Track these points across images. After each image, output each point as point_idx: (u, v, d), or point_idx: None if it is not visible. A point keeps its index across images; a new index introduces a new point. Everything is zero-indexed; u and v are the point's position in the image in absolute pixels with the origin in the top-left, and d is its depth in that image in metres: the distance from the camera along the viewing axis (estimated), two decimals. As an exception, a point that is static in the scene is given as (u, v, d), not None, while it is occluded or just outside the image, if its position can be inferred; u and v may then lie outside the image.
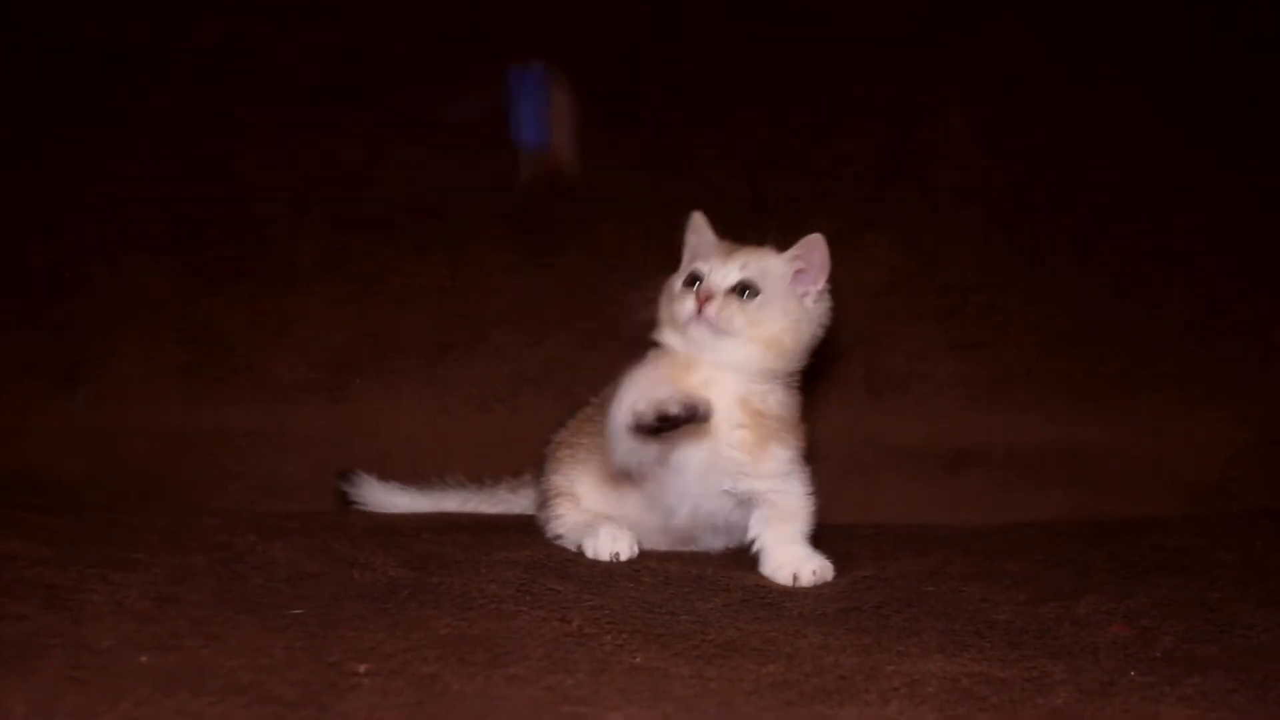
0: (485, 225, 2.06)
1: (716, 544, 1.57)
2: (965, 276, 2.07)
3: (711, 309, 1.41)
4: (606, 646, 1.13)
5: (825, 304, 1.49)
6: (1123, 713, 0.98)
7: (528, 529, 1.65)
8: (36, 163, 2.08)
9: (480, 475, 1.83)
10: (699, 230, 1.54)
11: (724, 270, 1.45)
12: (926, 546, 1.64)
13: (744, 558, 1.58)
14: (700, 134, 2.11)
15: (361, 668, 1.02)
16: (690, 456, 1.44)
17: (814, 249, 1.47)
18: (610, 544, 1.49)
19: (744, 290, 1.44)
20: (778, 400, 1.46)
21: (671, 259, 2.07)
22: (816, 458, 1.83)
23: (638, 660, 1.09)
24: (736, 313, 1.42)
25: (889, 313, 2.06)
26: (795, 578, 1.42)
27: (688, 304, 1.44)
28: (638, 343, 2.01)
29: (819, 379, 2.05)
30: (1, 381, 2.01)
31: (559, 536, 1.58)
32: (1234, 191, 2.09)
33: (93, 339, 2.03)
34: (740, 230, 2.07)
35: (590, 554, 1.50)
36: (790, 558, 1.44)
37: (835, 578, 1.44)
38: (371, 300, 2.04)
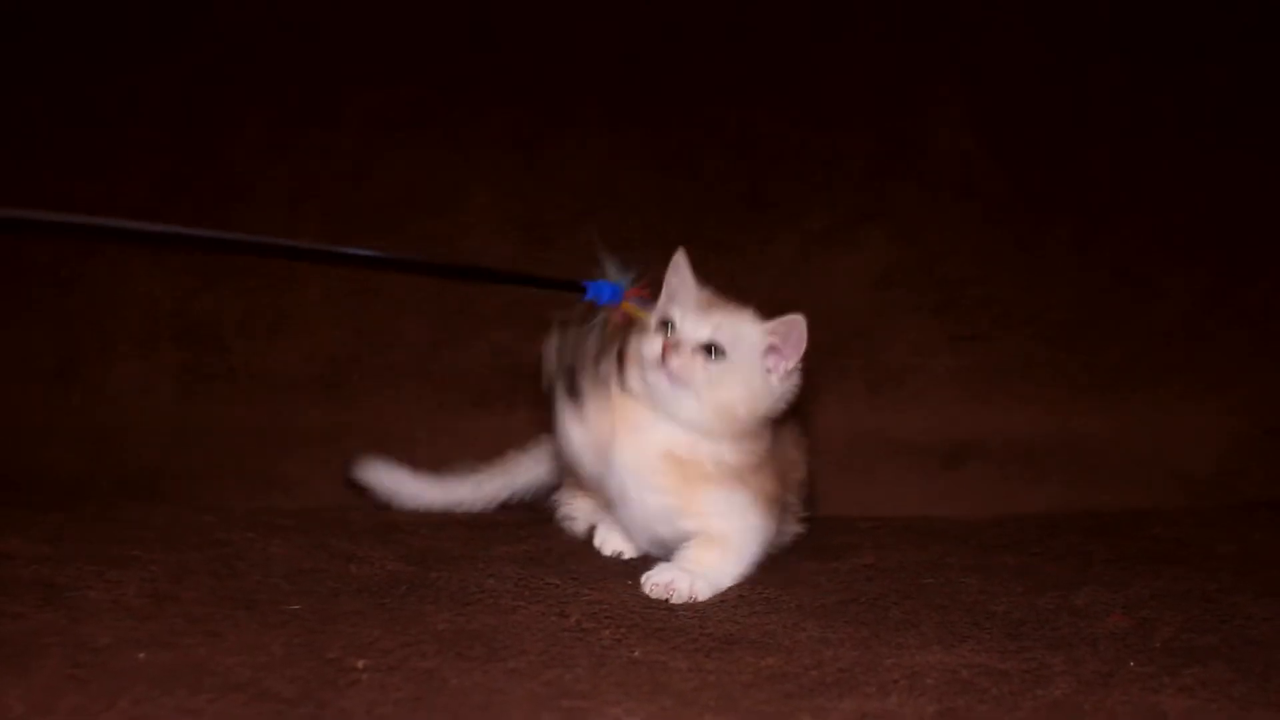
0: (482, 220, 2.06)
1: None
2: (963, 269, 2.06)
3: (675, 360, 1.35)
4: (605, 641, 1.13)
5: (794, 381, 1.41)
6: (1122, 703, 0.98)
7: (526, 524, 1.65)
8: (31, 159, 2.08)
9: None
10: (680, 272, 1.43)
11: (696, 323, 1.37)
12: (925, 539, 1.64)
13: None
14: (699, 128, 2.11)
15: (360, 663, 1.02)
16: (626, 508, 1.42)
17: (793, 329, 1.37)
18: (616, 542, 1.51)
19: (712, 349, 1.36)
20: (716, 450, 1.38)
21: (666, 251, 2.07)
22: (814, 452, 1.83)
23: (636, 654, 1.09)
24: (699, 370, 1.35)
25: (886, 306, 2.06)
26: (649, 585, 1.32)
27: (655, 346, 1.37)
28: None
29: (817, 373, 2.06)
30: (-3, 379, 2.01)
31: (570, 518, 1.60)
32: (1232, 182, 2.09)
33: (89, 336, 2.02)
34: (737, 226, 2.08)
35: (596, 542, 1.52)
36: (676, 568, 1.34)
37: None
38: (369, 296, 2.04)
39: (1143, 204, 2.08)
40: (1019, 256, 2.07)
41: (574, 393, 1.42)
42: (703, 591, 1.33)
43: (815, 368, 2.04)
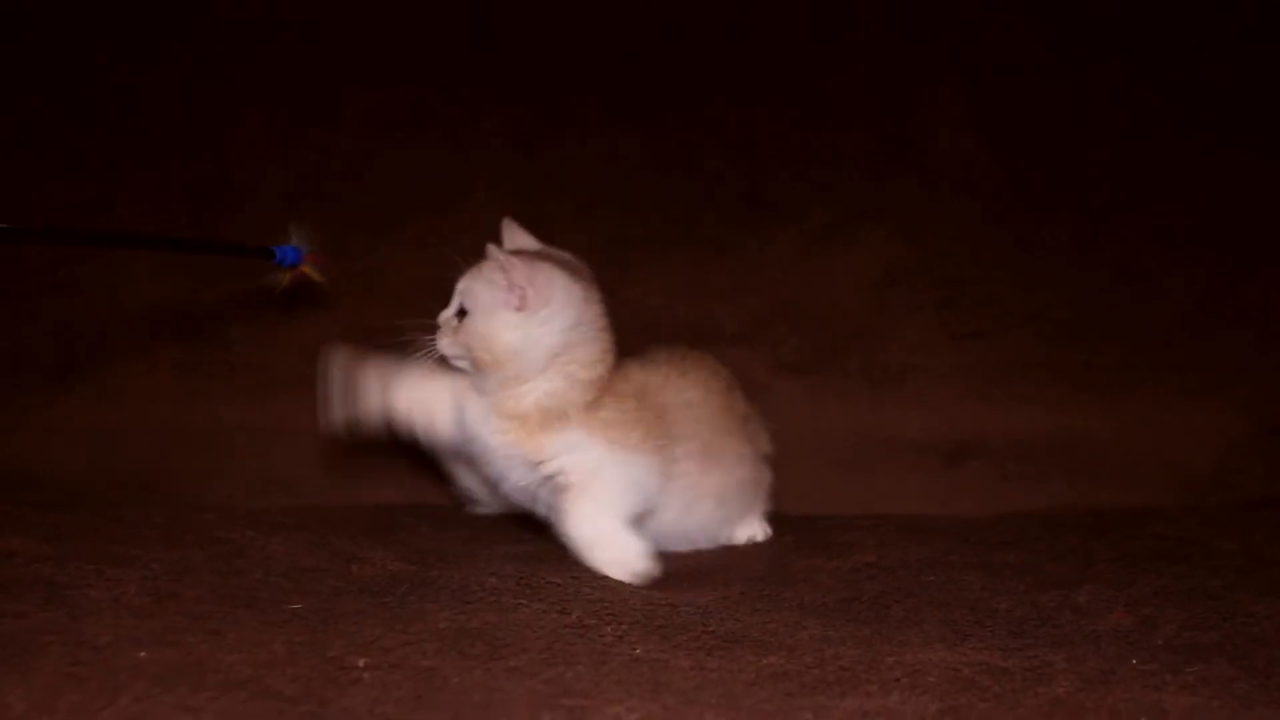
0: (482, 217, 2.06)
1: None
2: (963, 268, 2.06)
3: (438, 339, 1.47)
4: (606, 639, 1.12)
5: (546, 318, 1.43)
6: (1124, 701, 0.98)
7: (526, 523, 1.64)
8: (31, 158, 2.08)
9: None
10: (507, 239, 1.56)
11: (454, 298, 1.48)
12: (927, 537, 1.63)
13: (738, 553, 1.58)
14: (699, 128, 2.11)
15: (361, 662, 1.01)
16: (486, 459, 1.48)
17: (496, 268, 1.44)
18: None
19: (461, 313, 1.46)
20: (543, 395, 1.43)
21: (667, 250, 2.08)
22: (816, 450, 1.84)
23: (638, 652, 1.09)
24: (448, 337, 1.46)
25: (887, 305, 2.06)
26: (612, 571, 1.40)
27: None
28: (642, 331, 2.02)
29: (817, 372, 2.06)
30: (-2, 379, 2.01)
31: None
32: (1232, 182, 2.09)
33: (89, 336, 2.03)
34: (737, 225, 2.08)
35: None
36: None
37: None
38: (368, 295, 2.04)
39: (1143, 204, 2.08)
40: (1019, 256, 2.07)
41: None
42: (631, 563, 1.39)
43: (815, 366, 2.07)
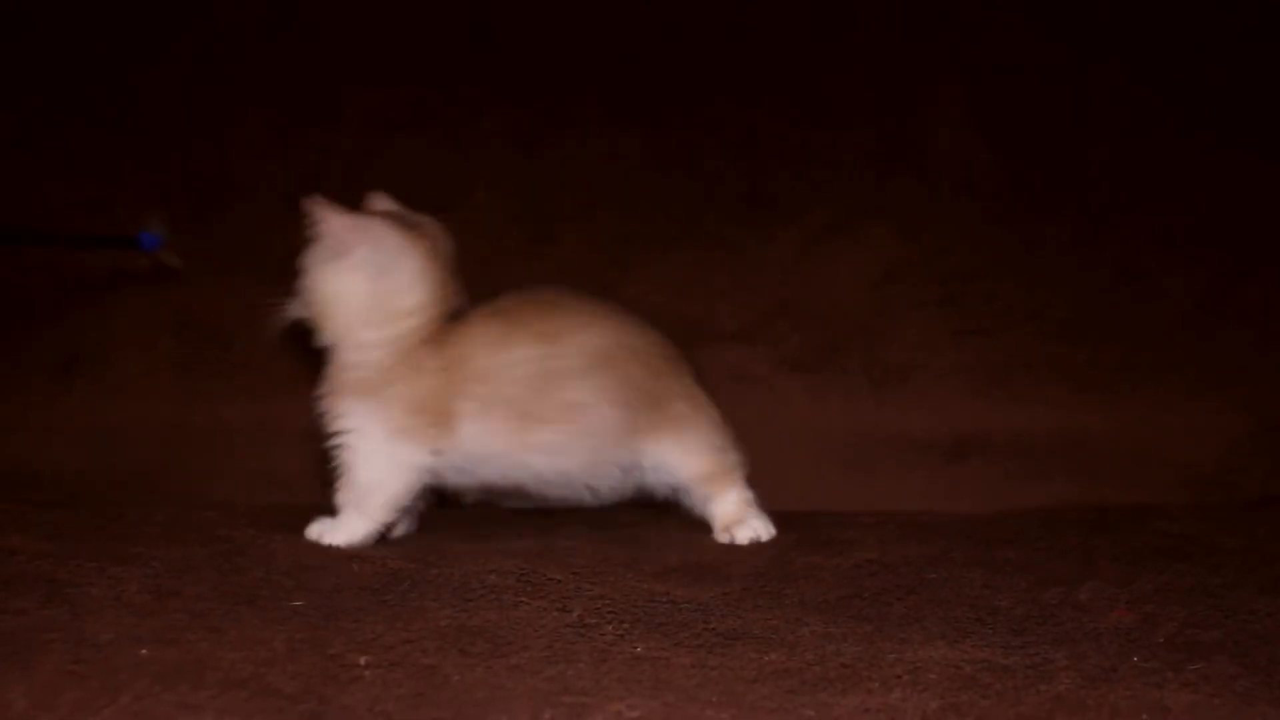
0: (483, 217, 2.07)
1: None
2: (965, 266, 2.07)
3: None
4: (607, 636, 1.12)
5: (360, 263, 1.47)
6: (1126, 698, 0.98)
7: (527, 519, 1.65)
8: (32, 158, 2.08)
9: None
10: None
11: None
12: (928, 534, 1.63)
13: (739, 550, 1.58)
14: (699, 128, 2.11)
15: (362, 660, 1.01)
16: None
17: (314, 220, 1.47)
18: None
19: None
20: (361, 361, 1.47)
21: (667, 250, 2.08)
22: (817, 448, 1.83)
23: (638, 650, 1.09)
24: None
25: (888, 302, 2.06)
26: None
27: None
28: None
29: (818, 370, 2.06)
30: (-1, 377, 2.02)
31: None
32: (1232, 181, 2.09)
33: (90, 334, 2.03)
34: (738, 224, 2.08)
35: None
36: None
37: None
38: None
39: (1143, 204, 2.08)
40: (1020, 254, 2.07)
41: None
42: (328, 534, 1.45)
43: (817, 364, 2.07)
